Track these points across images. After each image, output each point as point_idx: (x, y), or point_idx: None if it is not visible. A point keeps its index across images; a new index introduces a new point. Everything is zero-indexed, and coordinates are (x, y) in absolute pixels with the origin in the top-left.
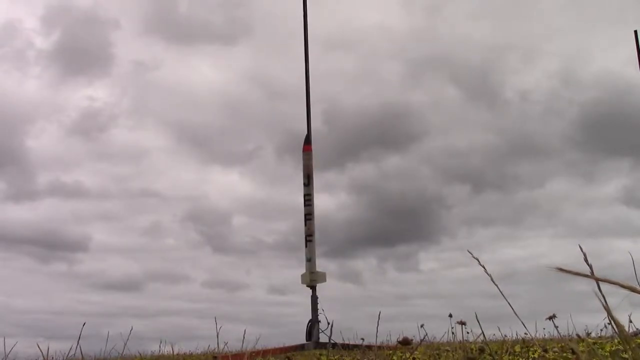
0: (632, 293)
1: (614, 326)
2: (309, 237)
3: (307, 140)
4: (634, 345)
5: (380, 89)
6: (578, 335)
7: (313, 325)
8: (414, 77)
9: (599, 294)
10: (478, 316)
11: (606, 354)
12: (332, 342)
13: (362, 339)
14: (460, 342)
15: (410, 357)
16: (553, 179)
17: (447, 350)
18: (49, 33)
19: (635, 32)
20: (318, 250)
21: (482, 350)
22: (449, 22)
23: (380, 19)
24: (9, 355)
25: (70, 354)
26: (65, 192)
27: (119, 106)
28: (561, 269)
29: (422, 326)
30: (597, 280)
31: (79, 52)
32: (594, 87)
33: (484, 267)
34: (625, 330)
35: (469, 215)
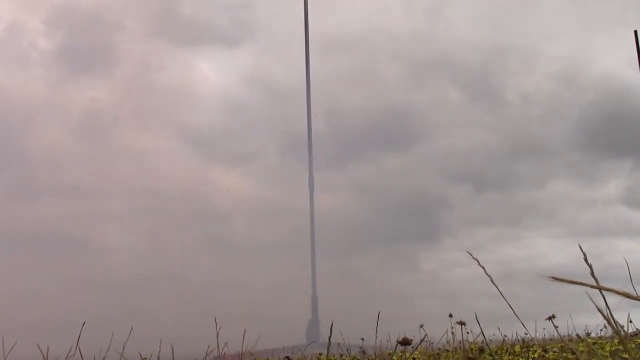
0: (627, 298)
1: (612, 328)
2: None
3: None
4: (633, 346)
5: (382, 90)
6: (578, 335)
7: (313, 325)
8: (415, 79)
9: (598, 297)
10: (478, 316)
11: (606, 354)
12: (331, 342)
13: (362, 339)
14: (460, 342)
15: (410, 358)
16: (553, 179)
17: (447, 350)
18: (53, 34)
19: (635, 32)
20: (319, 250)
21: (482, 350)
22: (450, 24)
23: (382, 20)
24: (8, 355)
25: (70, 354)
26: (66, 192)
27: (122, 107)
28: (555, 278)
29: (422, 326)
30: (591, 287)
31: (83, 53)
32: (595, 88)
33: (484, 268)
34: (622, 331)
35: (469, 215)
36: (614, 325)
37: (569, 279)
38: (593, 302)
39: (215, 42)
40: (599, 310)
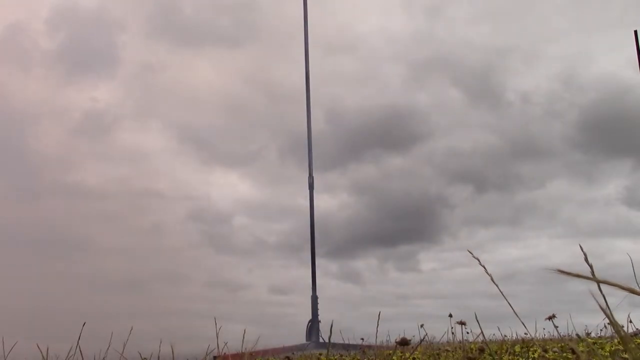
0: (632, 293)
1: (613, 327)
2: None
3: None
4: (633, 346)
5: (382, 90)
6: (578, 335)
7: (313, 325)
8: (415, 79)
9: (600, 295)
10: (478, 316)
11: (606, 354)
12: (331, 342)
13: (362, 339)
14: (460, 342)
15: (410, 357)
16: (554, 179)
17: (447, 350)
18: (53, 34)
19: (635, 32)
20: (319, 250)
21: (482, 350)
22: (450, 24)
23: (382, 21)
24: (8, 356)
25: (70, 355)
26: (66, 192)
27: (122, 107)
28: (561, 271)
29: (422, 326)
30: (597, 281)
31: (84, 53)
32: (595, 89)
33: (485, 267)
34: (623, 331)
35: (470, 215)
36: (616, 324)
37: (574, 272)
38: (596, 299)
39: (215, 42)
40: (602, 308)
